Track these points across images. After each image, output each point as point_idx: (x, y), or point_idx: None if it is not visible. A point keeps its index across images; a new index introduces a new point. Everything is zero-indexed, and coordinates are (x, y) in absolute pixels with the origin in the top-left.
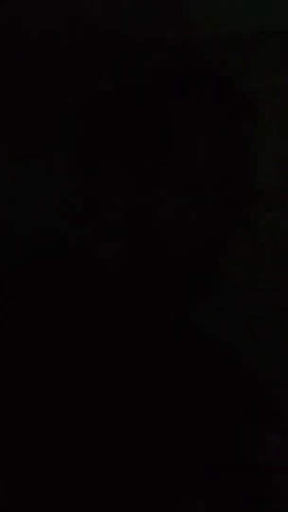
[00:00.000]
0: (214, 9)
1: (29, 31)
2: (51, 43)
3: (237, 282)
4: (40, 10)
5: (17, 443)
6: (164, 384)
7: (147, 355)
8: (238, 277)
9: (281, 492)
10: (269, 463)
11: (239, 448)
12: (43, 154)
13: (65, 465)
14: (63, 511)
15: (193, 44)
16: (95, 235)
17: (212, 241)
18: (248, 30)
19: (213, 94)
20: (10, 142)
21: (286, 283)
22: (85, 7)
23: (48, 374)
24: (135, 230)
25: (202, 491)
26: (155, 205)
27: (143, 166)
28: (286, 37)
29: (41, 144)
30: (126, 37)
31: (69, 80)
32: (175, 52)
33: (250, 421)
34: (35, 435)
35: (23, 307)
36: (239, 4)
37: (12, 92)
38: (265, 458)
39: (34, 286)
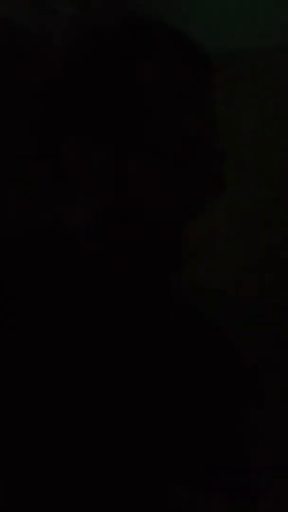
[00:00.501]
0: None
1: None
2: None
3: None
4: None
5: (13, 438)
6: (148, 362)
7: (131, 328)
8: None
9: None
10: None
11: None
12: (8, 133)
13: (63, 460)
14: (62, 510)
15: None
16: (68, 210)
17: (188, 205)
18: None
19: (171, 53)
20: None
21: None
22: None
23: (30, 357)
24: (109, 202)
25: (198, 481)
26: (128, 174)
27: (112, 135)
28: None
29: (6, 124)
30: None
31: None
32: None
33: (234, 401)
34: (24, 424)
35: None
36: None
37: None
38: (249, 440)
39: (8, 268)
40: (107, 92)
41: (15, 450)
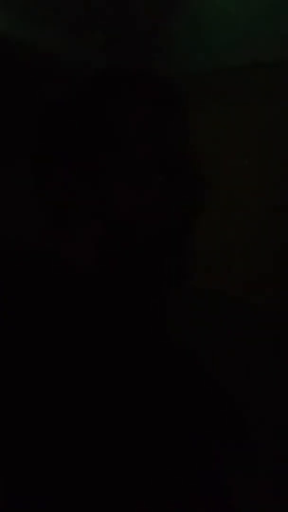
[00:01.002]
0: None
1: None
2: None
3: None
4: None
5: (12, 441)
6: (136, 384)
7: (127, 351)
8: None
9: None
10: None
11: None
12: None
13: (60, 462)
14: (62, 509)
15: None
16: (61, 238)
17: (174, 224)
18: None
19: (142, 91)
20: None
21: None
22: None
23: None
24: (100, 228)
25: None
26: (113, 201)
27: (94, 166)
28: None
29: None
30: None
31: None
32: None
33: (216, 434)
34: (22, 429)
35: None
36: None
37: None
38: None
39: (4, 293)
40: (87, 130)
41: (14, 451)
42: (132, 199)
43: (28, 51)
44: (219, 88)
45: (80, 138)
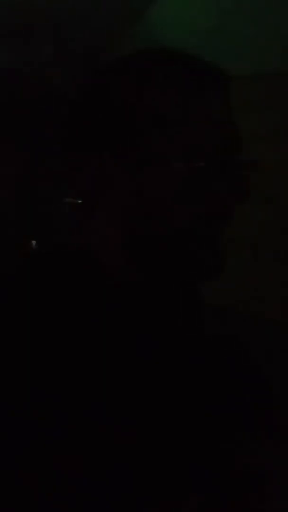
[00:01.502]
0: None
1: None
2: None
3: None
4: None
5: (15, 442)
6: (166, 379)
7: (149, 350)
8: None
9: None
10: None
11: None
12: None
13: (62, 461)
14: (61, 509)
15: None
16: (92, 234)
17: (210, 224)
18: None
19: (183, 73)
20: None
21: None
22: None
23: (50, 370)
24: (131, 225)
25: (201, 488)
26: (143, 189)
27: (131, 156)
28: None
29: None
30: None
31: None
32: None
33: (249, 425)
34: (28, 433)
35: (24, 309)
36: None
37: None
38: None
39: (35, 288)
40: (121, 113)
41: (14, 452)
42: (163, 188)
43: None
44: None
45: (115, 126)
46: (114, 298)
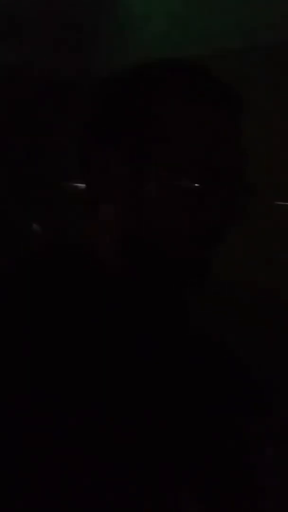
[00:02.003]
0: None
1: None
2: None
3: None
4: None
5: (16, 441)
6: (160, 378)
7: (147, 348)
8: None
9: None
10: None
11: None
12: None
13: (62, 461)
14: (61, 509)
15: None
16: (93, 231)
17: (209, 234)
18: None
19: (198, 88)
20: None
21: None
22: None
23: (49, 368)
24: (131, 224)
25: (199, 487)
26: (150, 199)
27: (139, 160)
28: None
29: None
30: None
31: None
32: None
33: (243, 414)
34: (28, 433)
35: (24, 303)
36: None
37: None
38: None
39: (36, 282)
40: (134, 116)
41: (14, 452)
42: (164, 194)
43: None
44: None
45: (130, 126)
46: (112, 297)
